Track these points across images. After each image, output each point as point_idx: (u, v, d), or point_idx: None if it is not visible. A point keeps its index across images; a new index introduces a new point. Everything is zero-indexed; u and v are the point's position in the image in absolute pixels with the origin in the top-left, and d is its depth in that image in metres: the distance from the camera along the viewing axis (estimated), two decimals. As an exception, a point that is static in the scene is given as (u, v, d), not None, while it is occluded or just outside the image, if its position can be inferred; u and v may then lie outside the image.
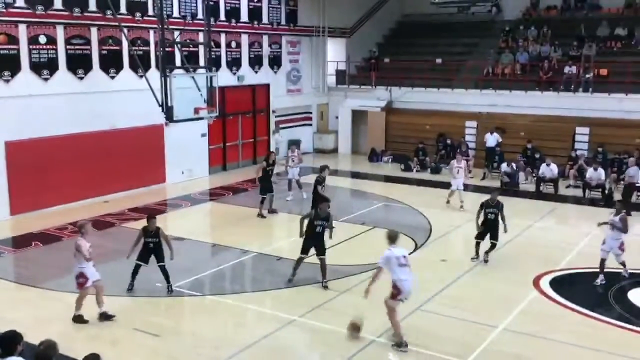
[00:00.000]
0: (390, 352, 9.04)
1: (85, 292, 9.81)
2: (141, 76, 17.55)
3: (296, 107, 25.68)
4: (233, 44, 22.07)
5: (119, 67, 17.96)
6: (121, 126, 17.90)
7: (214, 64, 18.60)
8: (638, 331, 9.69)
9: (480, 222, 12.56)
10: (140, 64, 17.45)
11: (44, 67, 16.18)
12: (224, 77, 20.82)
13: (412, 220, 16.13)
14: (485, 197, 13.14)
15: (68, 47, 16.65)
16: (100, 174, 17.40)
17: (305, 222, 11.34)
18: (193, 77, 16.85)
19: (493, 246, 12.54)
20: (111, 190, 17.64)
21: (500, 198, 12.88)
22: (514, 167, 19.81)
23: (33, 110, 15.85)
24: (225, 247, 13.76)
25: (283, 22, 24.15)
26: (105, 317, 9.88)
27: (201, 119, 17.04)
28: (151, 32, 18.63)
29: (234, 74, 22.22)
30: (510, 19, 27.92)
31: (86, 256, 9.63)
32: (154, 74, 17.47)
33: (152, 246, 10.85)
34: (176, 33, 17.99)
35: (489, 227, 12.50)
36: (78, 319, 9.81)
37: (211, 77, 17.00)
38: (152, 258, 10.96)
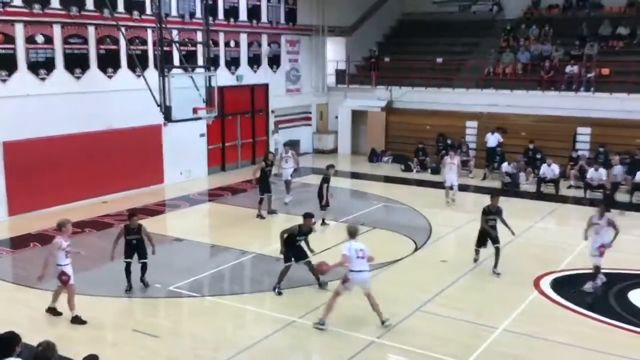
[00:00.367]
0: (391, 354, 8.98)
1: (72, 288, 9.83)
2: (139, 76, 17.49)
3: (295, 107, 25.61)
4: (232, 44, 22.01)
5: (116, 67, 17.90)
6: (119, 126, 17.84)
7: (212, 63, 18.51)
8: (638, 332, 9.63)
9: (481, 229, 12.21)
10: (138, 64, 17.39)
11: (41, 66, 16.13)
12: (223, 77, 20.76)
13: (412, 220, 16.07)
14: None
15: (65, 46, 16.59)
16: (99, 174, 17.35)
17: (285, 236, 11.09)
18: (191, 77, 16.81)
19: (498, 251, 12.06)
20: (109, 190, 17.59)
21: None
22: (515, 167, 19.74)
23: (30, 110, 15.80)
24: (224, 247, 13.71)
25: (282, 21, 24.09)
26: (78, 321, 9.85)
27: (200, 119, 16.98)
28: (149, 31, 18.57)
29: (233, 73, 22.16)
30: (511, 18, 27.84)
31: (53, 258, 9.66)
32: (152, 73, 17.42)
33: (134, 243, 11.01)
34: (174, 32, 17.96)
35: (488, 233, 12.13)
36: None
37: (210, 77, 16.94)
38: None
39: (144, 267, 11.19)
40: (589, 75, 22.14)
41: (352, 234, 9.82)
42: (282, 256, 11.48)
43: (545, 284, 11.55)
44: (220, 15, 21.35)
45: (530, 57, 24.29)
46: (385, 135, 25.04)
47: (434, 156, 22.77)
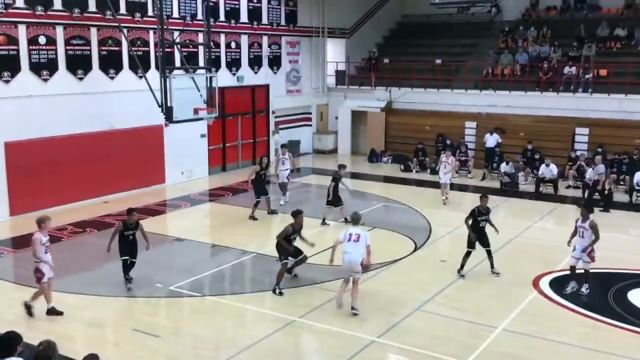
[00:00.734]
0: (391, 354, 9.04)
1: (44, 286, 9.93)
2: (141, 77, 17.55)
3: (296, 108, 25.69)
4: (233, 45, 22.08)
5: (118, 68, 17.97)
6: (121, 127, 17.92)
7: (213, 64, 18.58)
8: (638, 332, 9.69)
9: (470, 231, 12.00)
10: (139, 65, 17.44)
11: (44, 67, 16.19)
12: (224, 78, 20.85)
13: (411, 220, 16.14)
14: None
15: (68, 47, 16.66)
16: (100, 174, 17.42)
17: (282, 240, 11.32)
18: (193, 78, 16.85)
19: (490, 253, 12.07)
20: (111, 190, 17.65)
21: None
22: (514, 167, 19.81)
23: (32, 111, 15.87)
24: (225, 247, 13.77)
25: (283, 22, 24.16)
26: (54, 312, 10.03)
27: (201, 119, 17.05)
28: (151, 32, 18.64)
29: (234, 74, 22.23)
30: (509, 20, 27.93)
31: (37, 252, 9.75)
32: (153, 74, 17.48)
33: (130, 239, 11.21)
34: (176, 33, 17.99)
35: (479, 235, 12.00)
36: (28, 308, 9.94)
37: (211, 78, 17.00)
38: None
39: (132, 265, 11.42)
40: (587, 76, 22.22)
41: (354, 220, 10.60)
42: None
43: (545, 283, 11.61)
44: (222, 16, 21.42)
45: (528, 58, 24.37)
46: (384, 135, 25.12)
47: (434, 156, 22.82)
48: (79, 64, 16.96)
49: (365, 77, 26.69)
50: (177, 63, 18.52)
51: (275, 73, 24.18)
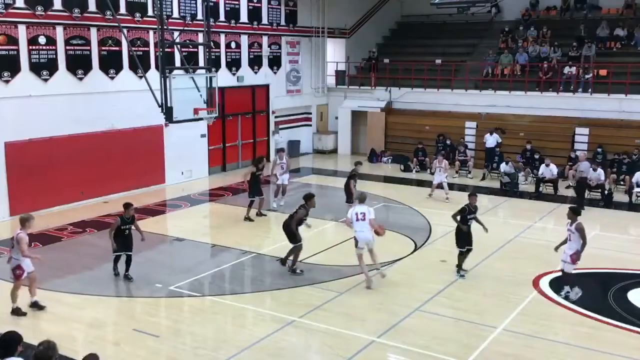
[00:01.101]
0: (391, 354, 9.04)
1: (20, 283, 10.03)
2: (141, 77, 17.56)
3: (296, 108, 25.69)
4: (233, 45, 22.08)
5: (118, 68, 17.97)
6: (121, 127, 17.93)
7: (213, 64, 18.57)
8: (637, 331, 9.69)
9: (457, 229, 11.93)
10: (139, 65, 17.44)
11: (44, 67, 16.19)
12: (224, 78, 20.85)
13: (411, 220, 16.15)
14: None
15: (68, 47, 16.66)
16: (100, 174, 17.42)
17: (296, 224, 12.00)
18: (192, 78, 16.84)
19: (469, 252, 11.99)
20: (111, 190, 17.64)
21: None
22: (513, 167, 19.81)
23: (32, 111, 15.86)
24: (225, 247, 13.77)
25: (283, 22, 24.16)
26: (37, 306, 10.15)
27: (201, 119, 17.05)
28: (151, 32, 18.64)
29: (234, 74, 22.23)
30: (509, 20, 27.94)
31: (25, 251, 9.84)
32: (153, 74, 17.48)
33: (126, 233, 11.46)
34: (176, 34, 17.98)
35: (466, 233, 11.92)
36: (16, 312, 9.98)
37: (211, 78, 17.00)
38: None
39: (129, 261, 11.58)
40: (586, 76, 22.23)
41: (361, 199, 11.89)
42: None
43: (545, 283, 11.60)
44: (222, 16, 21.42)
45: (528, 58, 24.38)
46: (384, 135, 25.13)
47: (434, 157, 22.82)
48: (79, 64, 16.96)
49: (365, 77, 26.70)
50: (177, 63, 18.52)
51: (275, 73, 24.18)
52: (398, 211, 17.27)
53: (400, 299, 10.86)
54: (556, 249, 11.24)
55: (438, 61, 25.75)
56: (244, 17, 22.34)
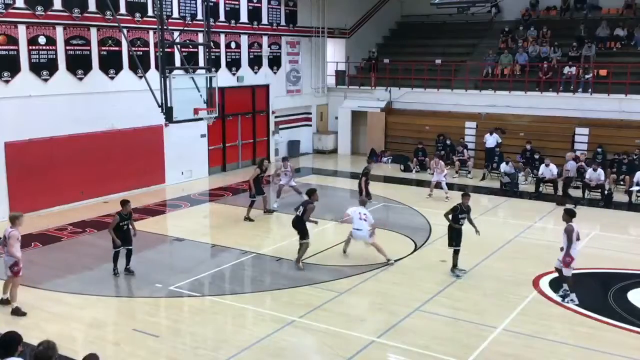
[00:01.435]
0: (391, 354, 9.04)
1: (18, 280, 10.13)
2: (141, 77, 17.56)
3: (296, 108, 25.70)
4: (233, 45, 22.08)
5: (118, 68, 17.97)
6: (121, 127, 17.93)
7: (213, 64, 18.58)
8: (637, 331, 9.69)
9: (450, 227, 11.93)
10: (139, 65, 17.45)
11: (44, 67, 16.19)
12: (224, 78, 20.86)
13: (411, 220, 16.15)
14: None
15: (67, 47, 16.66)
16: (100, 174, 17.42)
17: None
18: (192, 78, 16.85)
19: (458, 253, 11.99)
20: (111, 190, 17.63)
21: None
22: (513, 167, 19.81)
23: (32, 111, 15.86)
24: (225, 247, 13.77)
25: (283, 22, 24.16)
26: (5, 303, 10.25)
27: (201, 119, 17.05)
28: (151, 32, 18.64)
29: (234, 74, 22.23)
30: (509, 20, 27.95)
31: (12, 246, 9.91)
32: (153, 74, 17.48)
33: (125, 228, 11.73)
34: (176, 34, 17.99)
35: (457, 233, 11.93)
36: (16, 312, 10.01)
37: (211, 78, 17.00)
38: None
39: (129, 254, 11.85)
40: (586, 76, 22.23)
41: (362, 203, 13.37)
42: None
43: (545, 283, 11.60)
44: (222, 16, 21.42)
45: (528, 58, 24.38)
46: (384, 135, 25.13)
47: (433, 157, 22.84)
48: (79, 64, 16.96)
49: (365, 77, 26.70)
50: (177, 63, 18.53)
51: (275, 73, 24.18)
52: (398, 211, 17.27)
53: (400, 299, 10.86)
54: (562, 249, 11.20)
55: (438, 61, 25.76)
56: (244, 17, 22.35)
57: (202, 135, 20.85)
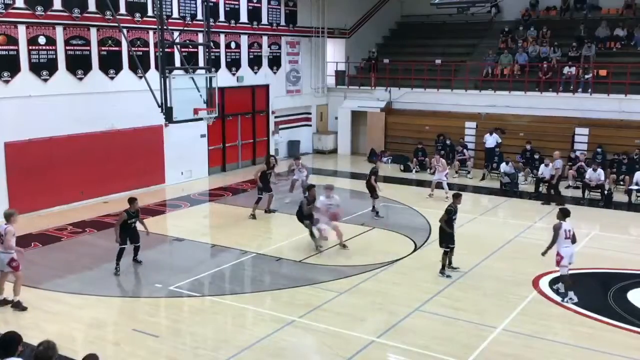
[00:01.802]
0: (391, 354, 9.05)
1: (21, 274, 10.24)
2: (141, 77, 17.56)
3: (296, 108, 25.70)
4: (232, 45, 22.08)
5: (118, 68, 17.97)
6: (120, 127, 17.93)
7: (213, 64, 18.57)
8: (637, 331, 9.69)
9: (441, 228, 11.99)
10: (139, 65, 17.44)
11: (44, 67, 16.18)
12: (224, 78, 20.85)
13: (411, 220, 16.15)
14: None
15: (67, 47, 16.65)
16: (100, 174, 17.41)
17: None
18: (192, 78, 16.85)
19: (452, 251, 12.06)
20: (111, 190, 17.63)
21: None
22: (513, 167, 19.81)
23: (32, 111, 15.86)
24: (225, 247, 13.77)
25: (282, 22, 24.16)
26: (5, 302, 10.31)
27: (200, 119, 17.05)
28: (150, 32, 18.64)
29: (234, 74, 22.23)
30: (509, 20, 27.94)
31: (9, 241, 10.02)
32: (153, 74, 17.48)
33: (133, 226, 12.02)
34: (176, 34, 17.98)
35: (451, 235, 11.98)
36: (17, 305, 10.10)
37: (210, 78, 17.00)
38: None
39: (137, 249, 12.32)
40: (586, 76, 22.23)
41: (328, 189, 13.84)
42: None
43: (544, 283, 11.60)
44: (221, 17, 21.42)
45: (528, 58, 24.38)
46: (384, 135, 25.13)
47: (433, 157, 22.84)
48: (78, 64, 16.95)
49: (365, 77, 26.70)
50: (177, 63, 18.52)
51: (275, 73, 24.19)
52: (398, 211, 17.27)
53: (400, 299, 10.86)
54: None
55: (438, 61, 25.75)
56: (243, 17, 22.34)
57: (202, 136, 20.85)
